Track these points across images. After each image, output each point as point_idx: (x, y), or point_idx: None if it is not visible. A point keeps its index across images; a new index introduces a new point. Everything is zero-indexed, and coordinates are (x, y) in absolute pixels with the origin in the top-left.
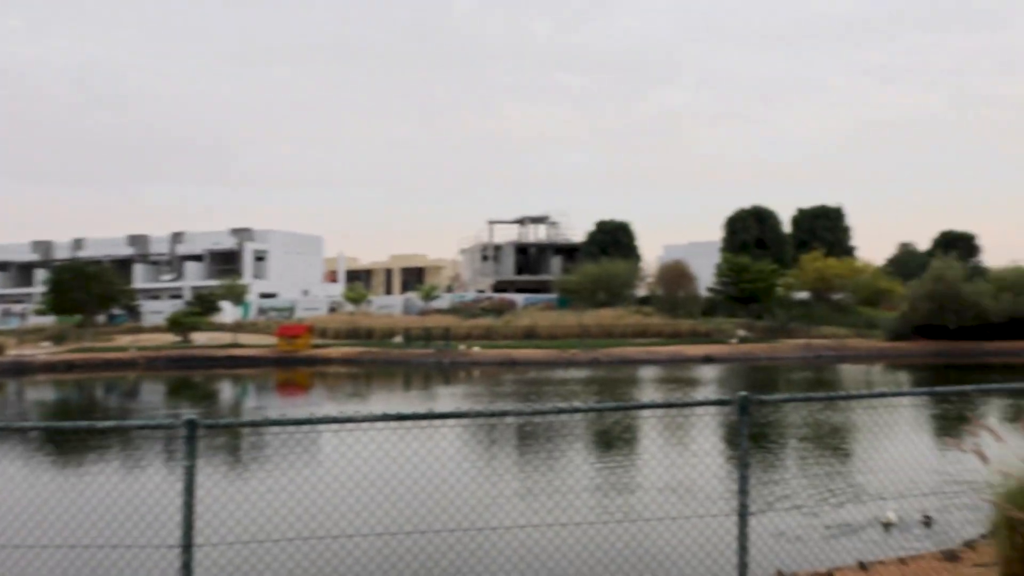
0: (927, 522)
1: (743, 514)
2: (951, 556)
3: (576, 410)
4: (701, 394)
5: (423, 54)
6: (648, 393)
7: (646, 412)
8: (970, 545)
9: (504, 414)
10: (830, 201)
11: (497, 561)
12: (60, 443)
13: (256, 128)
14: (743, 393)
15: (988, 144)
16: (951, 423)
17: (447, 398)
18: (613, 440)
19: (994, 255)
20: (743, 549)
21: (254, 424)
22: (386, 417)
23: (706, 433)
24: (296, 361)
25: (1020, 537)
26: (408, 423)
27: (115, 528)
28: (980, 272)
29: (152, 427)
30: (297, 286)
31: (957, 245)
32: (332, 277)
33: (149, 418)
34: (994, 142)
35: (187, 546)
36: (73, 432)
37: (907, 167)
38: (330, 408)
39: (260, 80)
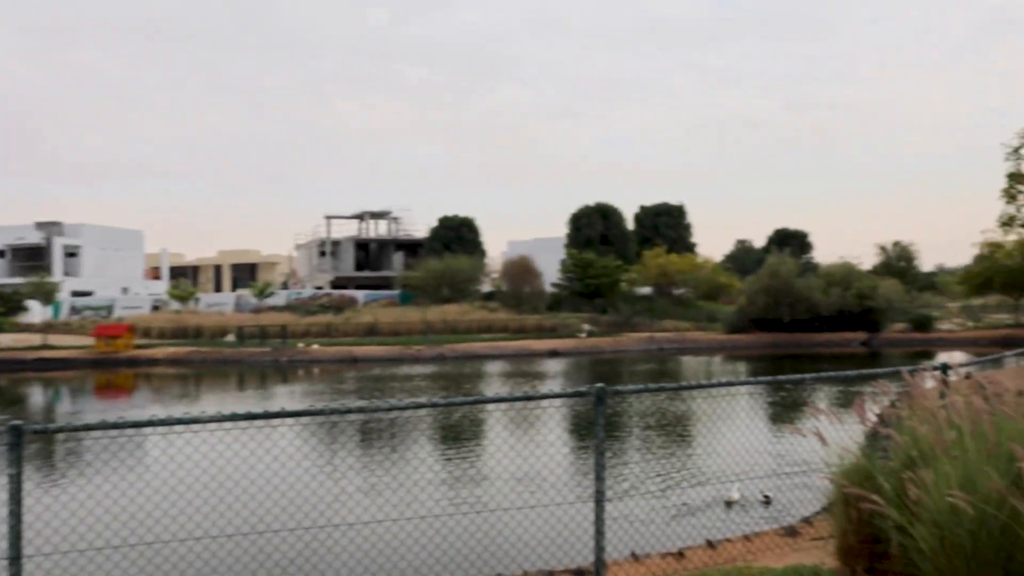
0: (767, 501)
1: (599, 500)
2: (791, 532)
3: (435, 404)
4: (548, 387)
5: (249, 40)
6: (495, 387)
7: (495, 405)
8: (807, 521)
9: (361, 411)
10: (672, 199)
11: (356, 557)
12: None
13: (65, 114)
14: (600, 384)
15: (819, 147)
16: (786, 409)
17: (286, 397)
18: (462, 434)
19: (824, 252)
20: (600, 533)
21: (88, 428)
22: (234, 417)
23: (555, 424)
24: (117, 362)
25: (855, 511)
26: (257, 422)
27: None
28: (811, 268)
29: None
30: (116, 284)
31: (790, 242)
32: (155, 274)
33: None
34: (825, 145)
35: (15, 558)
36: None
37: (745, 167)
38: (157, 411)
39: (67, 61)
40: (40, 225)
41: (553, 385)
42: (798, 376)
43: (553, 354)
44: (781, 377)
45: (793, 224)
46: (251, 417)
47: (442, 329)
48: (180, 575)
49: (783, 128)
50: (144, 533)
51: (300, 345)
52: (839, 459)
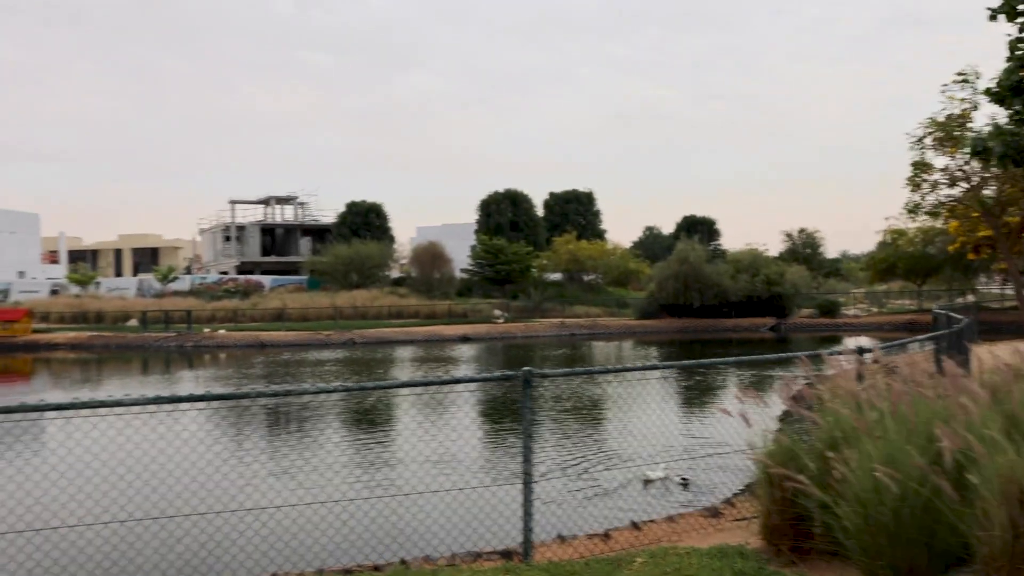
0: (685, 483)
1: (527, 482)
2: (714, 513)
3: (363, 388)
4: (461, 371)
5: (149, 24)
6: (408, 372)
7: (404, 390)
8: (729, 502)
9: (287, 394)
10: (581, 186)
11: (283, 540)
12: None
13: None
14: (527, 368)
15: (725, 136)
16: (699, 393)
17: (192, 382)
18: (377, 419)
19: (731, 239)
20: (528, 515)
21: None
22: (158, 400)
23: (469, 408)
24: (14, 347)
25: (779, 491)
26: (165, 407)
27: None
28: (720, 254)
29: None
30: (11, 267)
31: (698, 229)
32: (52, 258)
33: None
34: (730, 134)
35: None
36: None
37: (652, 155)
38: (57, 396)
39: None
40: None
41: (466, 370)
42: (716, 360)
43: (465, 339)
44: (704, 360)
45: (701, 211)
46: (174, 400)
47: (352, 315)
48: (88, 559)
49: (689, 117)
50: (49, 518)
51: (206, 330)
52: (762, 440)
